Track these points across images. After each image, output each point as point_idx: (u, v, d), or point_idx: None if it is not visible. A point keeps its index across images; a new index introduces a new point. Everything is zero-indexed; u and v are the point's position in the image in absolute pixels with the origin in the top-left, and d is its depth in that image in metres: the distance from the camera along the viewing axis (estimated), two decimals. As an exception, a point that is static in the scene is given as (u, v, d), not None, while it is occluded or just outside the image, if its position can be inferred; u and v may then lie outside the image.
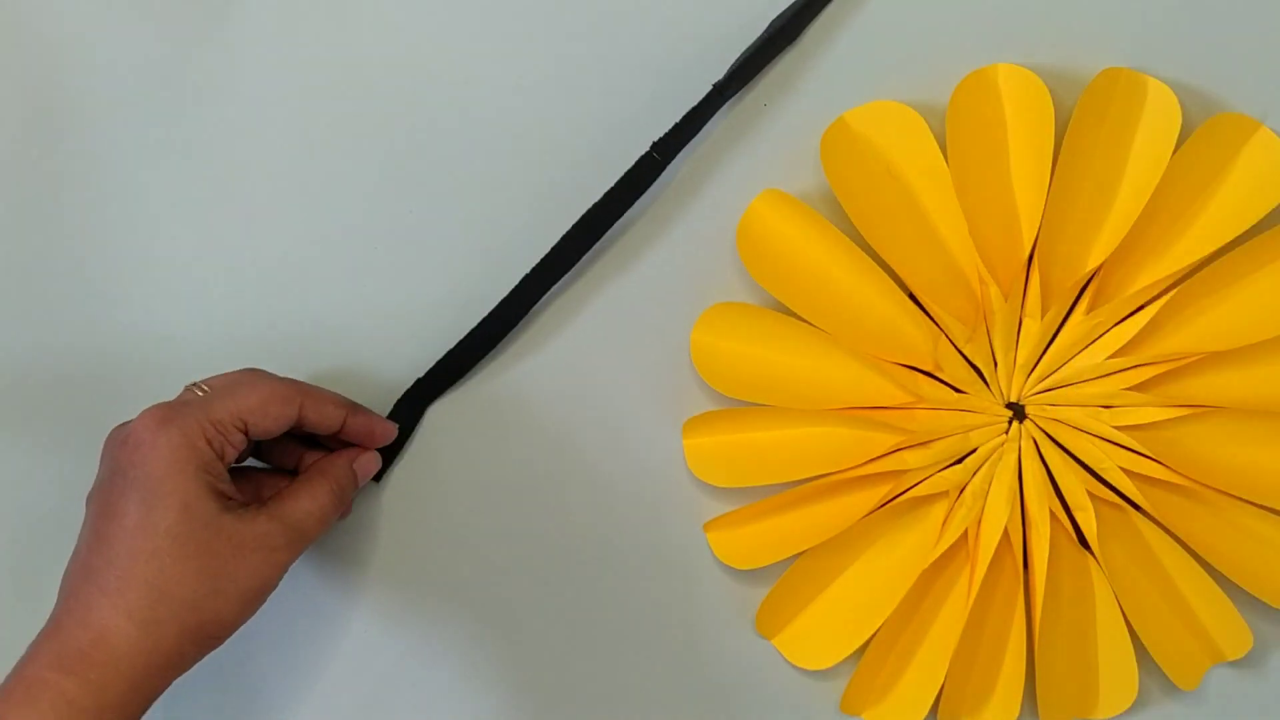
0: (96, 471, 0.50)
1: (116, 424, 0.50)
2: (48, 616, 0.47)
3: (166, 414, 0.48)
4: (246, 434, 0.49)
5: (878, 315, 0.54)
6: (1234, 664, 0.57)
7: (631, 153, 0.54)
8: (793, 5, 0.54)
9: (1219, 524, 0.55)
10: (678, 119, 0.54)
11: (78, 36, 0.55)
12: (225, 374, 0.52)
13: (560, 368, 0.56)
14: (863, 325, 0.54)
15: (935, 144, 0.54)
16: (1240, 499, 0.54)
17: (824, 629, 0.56)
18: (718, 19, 0.55)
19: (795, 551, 0.55)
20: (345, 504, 0.53)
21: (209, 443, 0.48)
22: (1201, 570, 0.55)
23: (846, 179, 0.54)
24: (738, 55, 0.54)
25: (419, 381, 0.56)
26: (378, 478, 0.56)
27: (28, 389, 0.56)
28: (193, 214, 0.56)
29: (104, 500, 0.48)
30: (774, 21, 0.54)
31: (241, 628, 0.48)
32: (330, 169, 0.56)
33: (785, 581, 0.55)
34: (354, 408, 0.54)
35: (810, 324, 0.54)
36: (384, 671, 0.57)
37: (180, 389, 0.51)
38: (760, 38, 0.54)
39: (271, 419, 0.50)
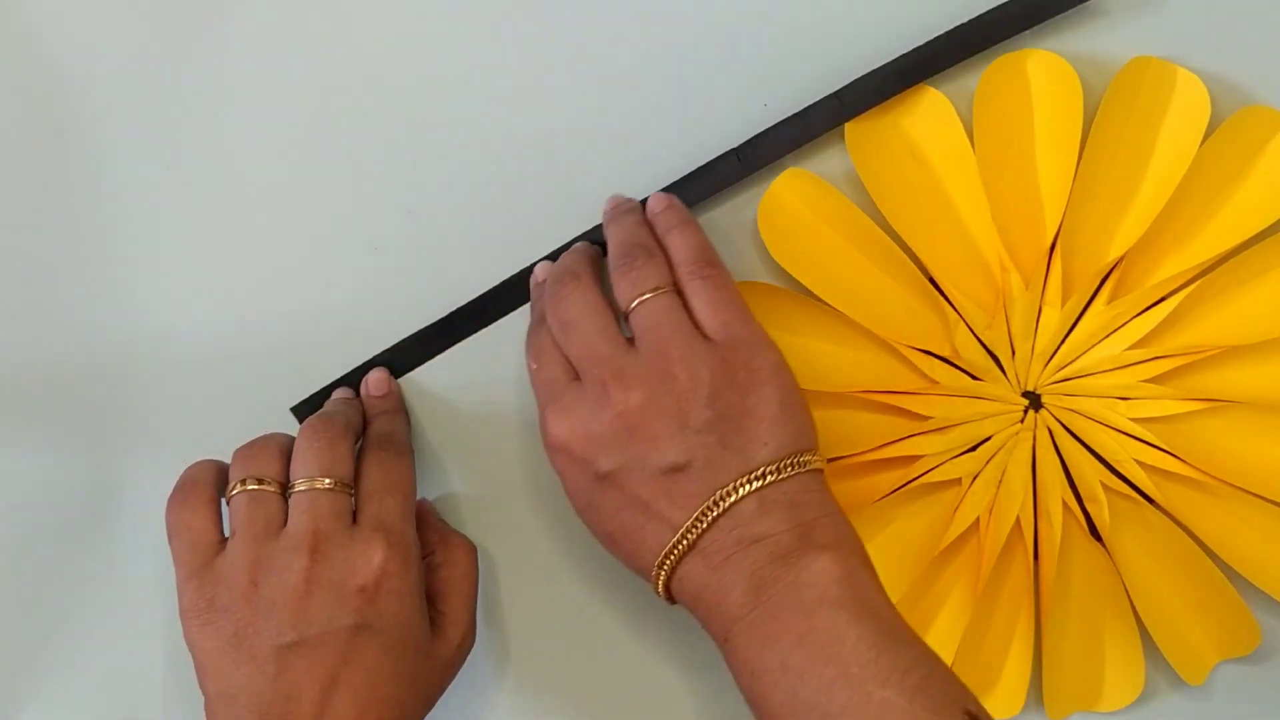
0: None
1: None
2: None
3: (404, 555, 0.49)
4: None
5: (897, 299, 0.54)
6: (1241, 660, 0.56)
7: (640, 152, 0.54)
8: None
9: (1232, 519, 0.54)
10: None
11: (77, 36, 0.54)
12: (363, 463, 0.51)
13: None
14: (881, 308, 0.54)
15: (962, 128, 0.53)
16: (1255, 495, 0.54)
17: (831, 613, 0.55)
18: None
19: (805, 534, 0.55)
20: None
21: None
22: (1213, 565, 0.55)
23: (871, 161, 0.53)
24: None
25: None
26: None
27: (28, 389, 0.55)
28: (193, 214, 0.55)
29: (335, 645, 0.47)
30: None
31: None
32: (332, 168, 0.55)
33: (794, 564, 0.55)
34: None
35: (828, 306, 0.54)
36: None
37: (180, 388, 0.53)
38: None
39: None
